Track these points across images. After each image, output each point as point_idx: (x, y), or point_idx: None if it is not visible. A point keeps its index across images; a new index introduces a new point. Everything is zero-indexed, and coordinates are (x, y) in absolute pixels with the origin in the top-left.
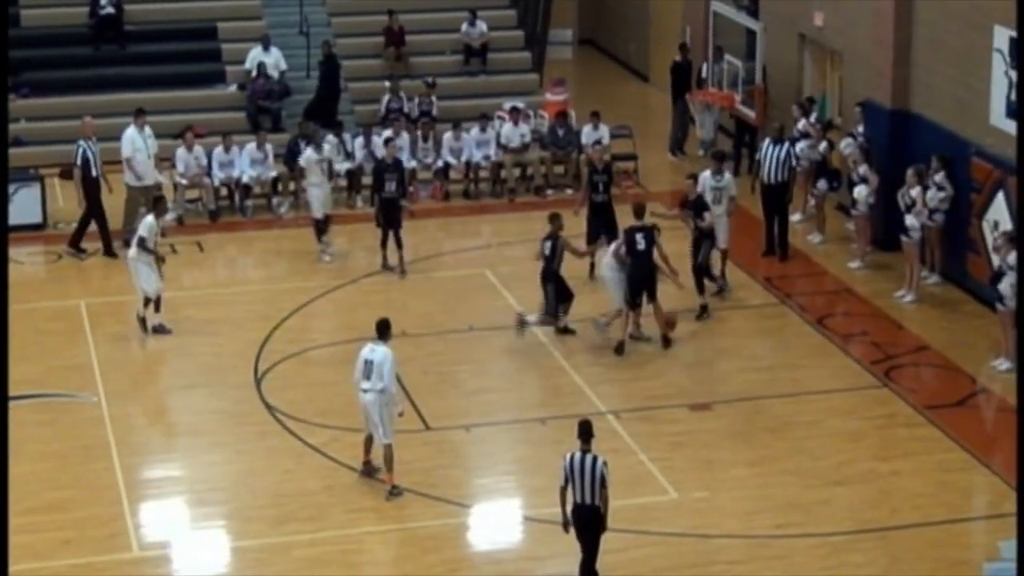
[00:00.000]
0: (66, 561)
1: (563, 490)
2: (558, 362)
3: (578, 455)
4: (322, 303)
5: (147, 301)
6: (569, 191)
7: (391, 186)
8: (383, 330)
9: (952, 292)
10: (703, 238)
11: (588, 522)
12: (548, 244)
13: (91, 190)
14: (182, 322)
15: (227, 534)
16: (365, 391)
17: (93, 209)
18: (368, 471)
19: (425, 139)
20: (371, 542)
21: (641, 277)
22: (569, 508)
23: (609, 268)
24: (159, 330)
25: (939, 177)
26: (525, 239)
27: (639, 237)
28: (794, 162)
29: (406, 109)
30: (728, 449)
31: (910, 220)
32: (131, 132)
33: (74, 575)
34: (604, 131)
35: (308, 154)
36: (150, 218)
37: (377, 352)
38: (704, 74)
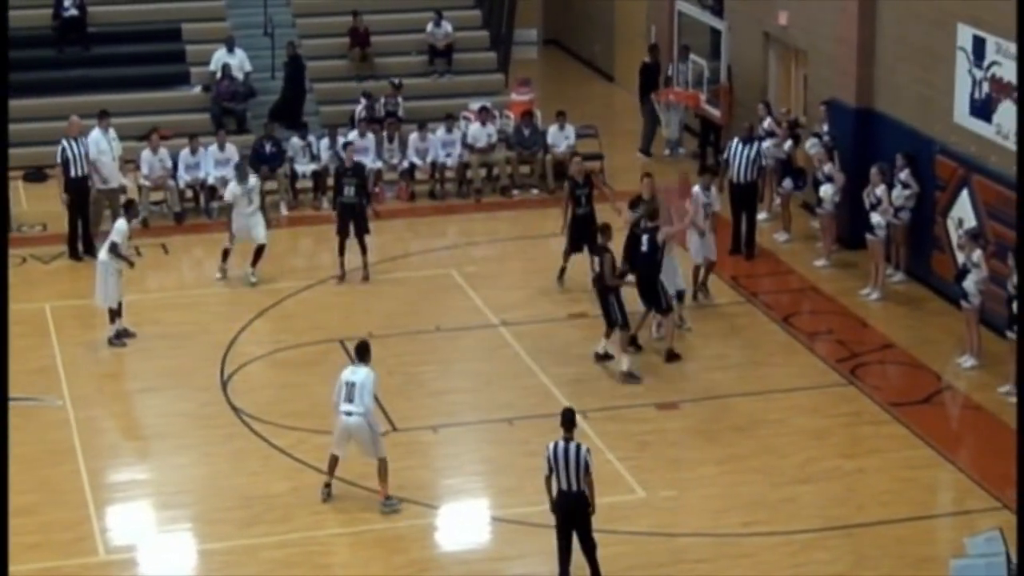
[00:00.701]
0: (32, 565)
1: (548, 479)
2: (525, 362)
3: (561, 443)
4: (289, 304)
5: (111, 314)
6: (535, 191)
7: (350, 191)
8: (363, 352)
9: (917, 290)
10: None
11: (575, 508)
12: (596, 259)
13: (72, 190)
14: (148, 325)
15: (194, 537)
16: (349, 414)
17: (73, 209)
18: (328, 494)
19: (391, 139)
20: (338, 544)
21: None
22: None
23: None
24: (123, 335)
25: (904, 175)
26: (491, 239)
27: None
28: (763, 161)
29: (376, 110)
30: (695, 448)
31: (875, 218)
32: (96, 134)
33: None
34: (570, 131)
35: (232, 187)
36: (121, 222)
37: (359, 374)
38: (670, 73)
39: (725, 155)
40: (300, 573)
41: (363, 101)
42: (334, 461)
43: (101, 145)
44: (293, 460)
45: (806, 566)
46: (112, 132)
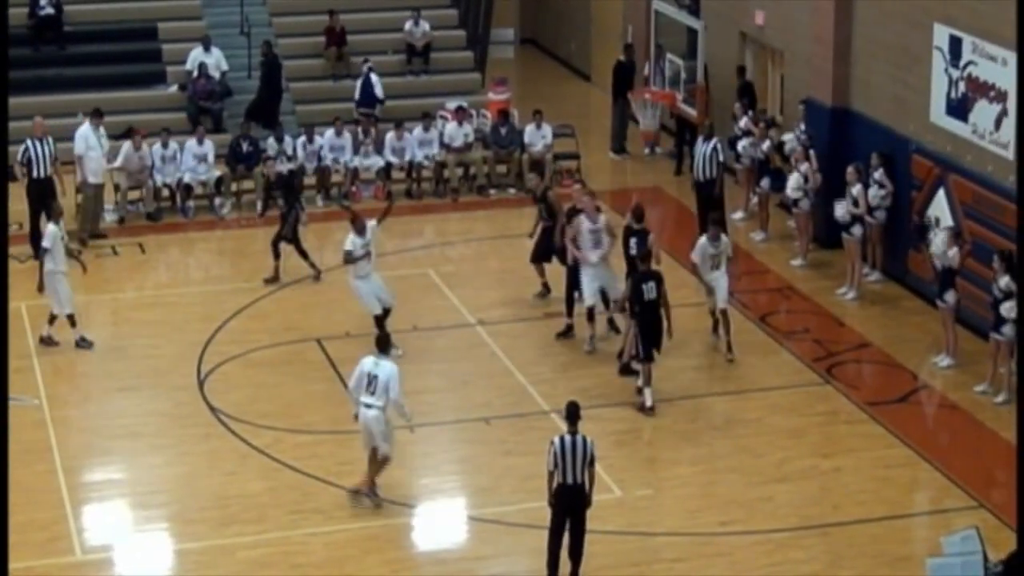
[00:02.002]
0: (8, 565)
1: (552, 475)
2: (501, 362)
3: (568, 437)
4: (265, 304)
5: (52, 318)
6: (512, 191)
7: (279, 202)
8: (384, 345)
9: (893, 289)
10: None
11: (578, 501)
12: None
13: (34, 191)
14: (124, 324)
15: (170, 536)
16: (368, 406)
17: (33, 209)
18: (372, 491)
19: (366, 134)
20: (314, 543)
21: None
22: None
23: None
24: (81, 344)
25: (878, 174)
26: (468, 239)
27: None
28: (721, 157)
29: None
30: (671, 447)
31: (839, 211)
32: (85, 129)
33: None
34: (547, 130)
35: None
36: (51, 226)
37: (383, 367)
38: (646, 72)
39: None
40: (275, 573)
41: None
42: (373, 456)
43: (90, 140)
44: (270, 459)
45: (782, 565)
46: (102, 130)
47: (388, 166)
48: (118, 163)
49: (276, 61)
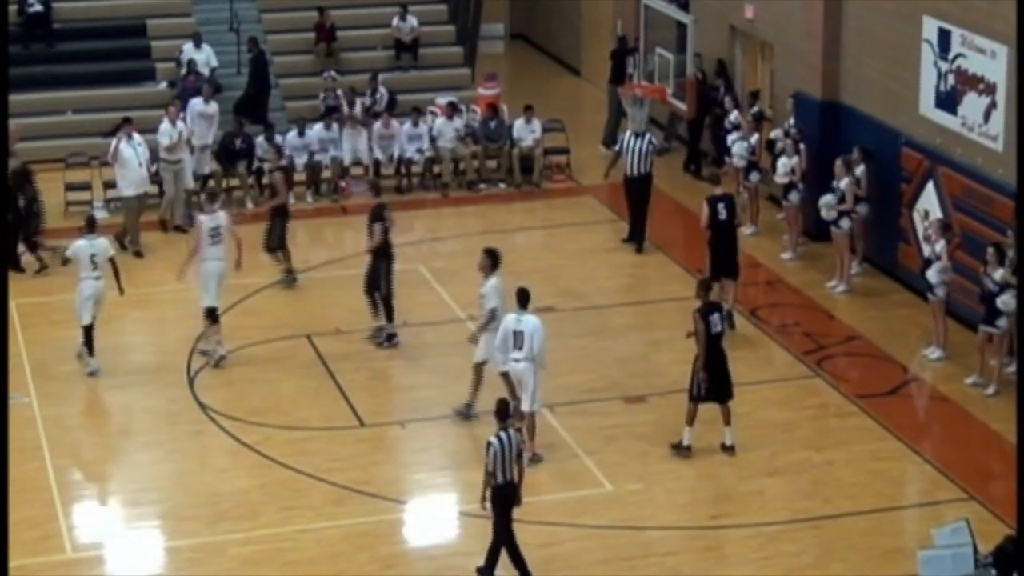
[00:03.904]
0: None
1: (492, 476)
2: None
3: (503, 435)
4: (256, 301)
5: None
6: (502, 185)
7: None
8: (525, 299)
9: (883, 281)
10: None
11: (514, 498)
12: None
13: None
14: (115, 321)
15: (161, 534)
16: (517, 360)
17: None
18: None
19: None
20: (305, 540)
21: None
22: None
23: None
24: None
25: (859, 170)
26: (458, 234)
27: (721, 206)
28: (653, 152)
29: (347, 105)
30: (662, 441)
31: (824, 211)
32: (122, 145)
33: None
34: (536, 125)
35: (78, 244)
36: (79, 242)
37: (526, 322)
38: (629, 70)
39: (618, 147)
40: (267, 570)
41: (322, 93)
42: (516, 412)
43: (126, 153)
44: (260, 456)
45: (774, 558)
46: (137, 138)
47: (377, 163)
48: (109, 159)
49: (263, 57)
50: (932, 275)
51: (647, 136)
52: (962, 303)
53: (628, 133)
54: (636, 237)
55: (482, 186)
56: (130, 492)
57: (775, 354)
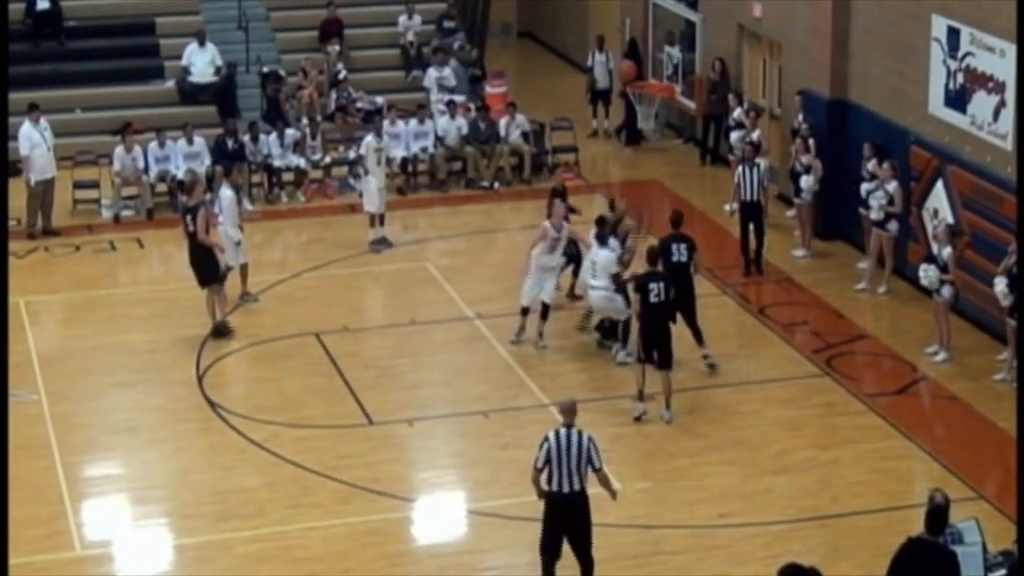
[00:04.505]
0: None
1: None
2: (500, 355)
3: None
4: (263, 298)
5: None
6: (497, 185)
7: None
8: (604, 237)
9: (893, 280)
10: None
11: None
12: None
13: None
14: (123, 319)
15: (168, 531)
16: (594, 288)
17: None
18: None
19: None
20: (312, 537)
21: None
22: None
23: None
24: (246, 299)
25: (871, 165)
26: (464, 232)
27: (675, 247)
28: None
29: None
30: (669, 440)
31: (874, 212)
32: (27, 128)
33: None
34: (521, 120)
35: (225, 192)
36: (225, 190)
37: (601, 254)
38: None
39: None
40: (273, 567)
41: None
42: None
43: (33, 139)
44: (268, 454)
45: (780, 557)
46: (43, 123)
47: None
48: (115, 169)
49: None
50: (933, 278)
51: (759, 164)
52: (970, 302)
53: (740, 167)
54: (748, 262)
55: (483, 185)
56: (138, 489)
57: (783, 352)
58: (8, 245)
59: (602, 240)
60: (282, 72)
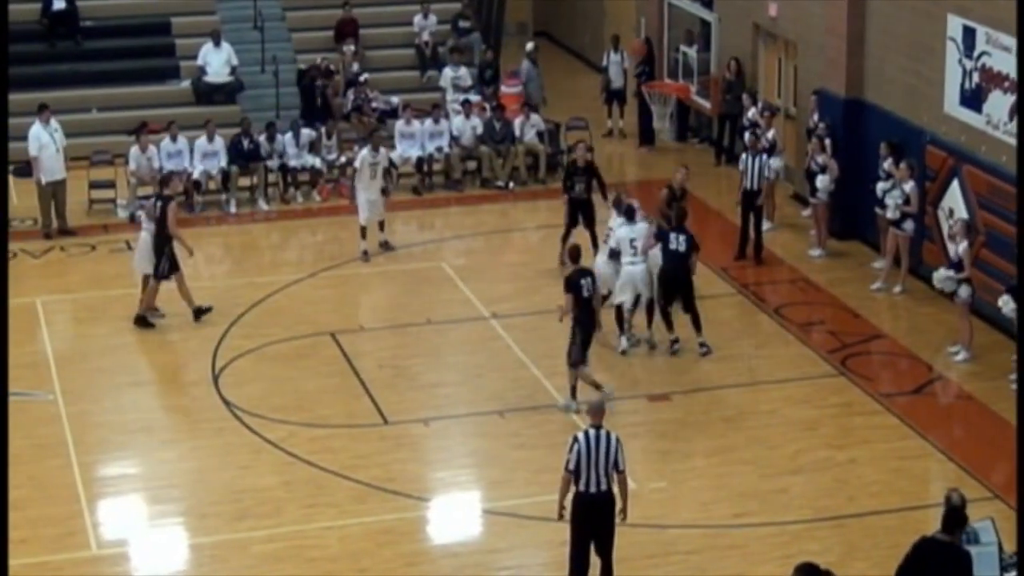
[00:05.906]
0: (21, 560)
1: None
2: (516, 355)
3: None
4: (278, 298)
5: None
6: (512, 184)
7: None
8: (631, 213)
9: (908, 280)
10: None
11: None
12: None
13: None
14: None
15: (185, 531)
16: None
17: None
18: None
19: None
20: (328, 537)
21: (675, 280)
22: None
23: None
24: (386, 247)
25: (887, 164)
26: (480, 232)
27: (673, 236)
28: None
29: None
30: (685, 439)
31: (890, 211)
32: (36, 129)
33: (29, 575)
34: (535, 119)
35: (363, 153)
36: (363, 152)
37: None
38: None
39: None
40: (290, 567)
41: (350, 93)
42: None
43: (42, 139)
44: (284, 453)
45: (797, 557)
46: (54, 123)
47: (391, 162)
48: (131, 169)
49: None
50: (945, 279)
51: (763, 156)
52: (986, 302)
53: (744, 156)
54: (743, 246)
55: (499, 184)
56: (154, 489)
57: (800, 352)
58: (8, 245)
59: (631, 217)
60: (332, 66)
